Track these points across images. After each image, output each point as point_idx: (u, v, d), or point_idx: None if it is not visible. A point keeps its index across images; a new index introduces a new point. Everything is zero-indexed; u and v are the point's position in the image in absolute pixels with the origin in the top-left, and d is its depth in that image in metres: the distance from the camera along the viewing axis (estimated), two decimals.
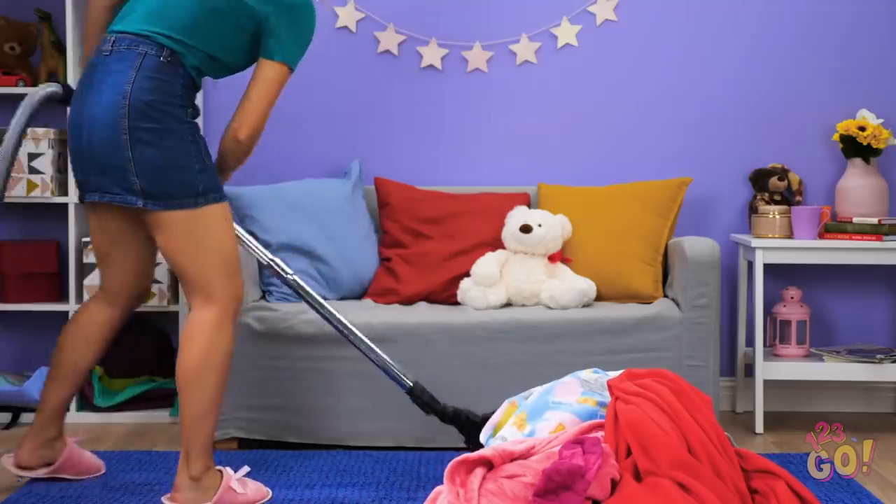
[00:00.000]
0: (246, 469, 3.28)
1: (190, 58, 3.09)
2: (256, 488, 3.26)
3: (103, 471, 3.55)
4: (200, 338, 3.07)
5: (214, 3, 3.09)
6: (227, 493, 3.12)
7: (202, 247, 3.07)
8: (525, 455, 2.26)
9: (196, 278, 3.09)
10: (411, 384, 3.56)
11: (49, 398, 3.38)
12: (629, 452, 2.27)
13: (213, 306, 3.10)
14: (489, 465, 2.22)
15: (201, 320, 3.09)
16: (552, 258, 4.19)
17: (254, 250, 3.47)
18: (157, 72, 3.04)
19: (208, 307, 3.10)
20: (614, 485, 2.21)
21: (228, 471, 3.19)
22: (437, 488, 2.23)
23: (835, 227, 4.32)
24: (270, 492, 3.32)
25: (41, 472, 3.43)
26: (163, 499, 3.11)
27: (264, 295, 4.11)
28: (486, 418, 3.35)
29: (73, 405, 4.30)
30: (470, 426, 3.51)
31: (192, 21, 3.08)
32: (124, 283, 3.33)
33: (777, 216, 4.33)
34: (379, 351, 3.57)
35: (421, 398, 3.56)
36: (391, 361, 3.57)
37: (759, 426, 4.23)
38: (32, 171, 4.33)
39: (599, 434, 2.26)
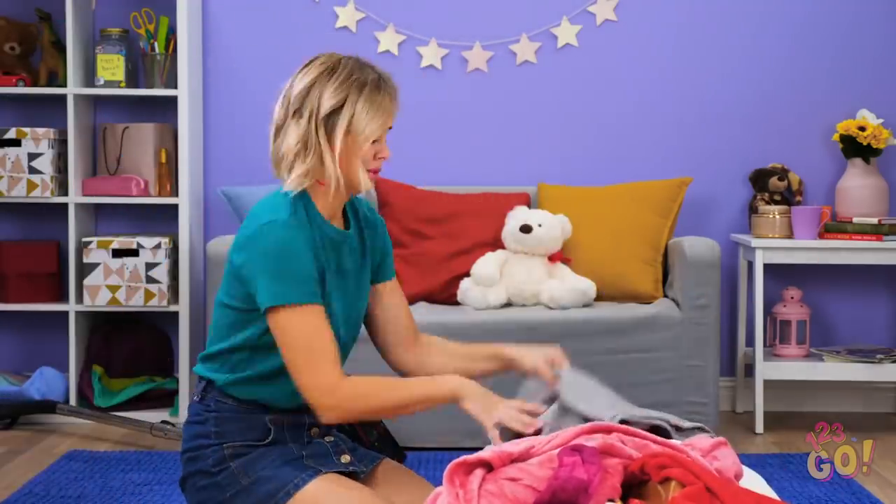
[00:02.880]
0: None
1: None
2: None
3: None
4: None
5: None
6: None
7: None
8: (524, 456, 2.25)
9: None
10: None
11: None
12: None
13: None
14: (488, 466, 2.22)
15: None
16: (552, 258, 4.19)
17: None
18: None
19: None
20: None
21: None
22: (437, 489, 2.23)
23: (835, 227, 4.32)
24: None
25: None
26: None
27: None
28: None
29: (72, 405, 4.30)
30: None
31: None
32: None
33: (777, 216, 4.33)
34: None
35: None
36: None
37: (759, 426, 4.23)
38: (32, 171, 4.33)
39: (596, 439, 2.26)
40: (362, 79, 2.38)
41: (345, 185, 2.39)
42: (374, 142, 2.38)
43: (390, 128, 2.42)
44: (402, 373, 2.62)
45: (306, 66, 2.44)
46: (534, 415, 2.34)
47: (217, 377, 2.45)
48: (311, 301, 2.32)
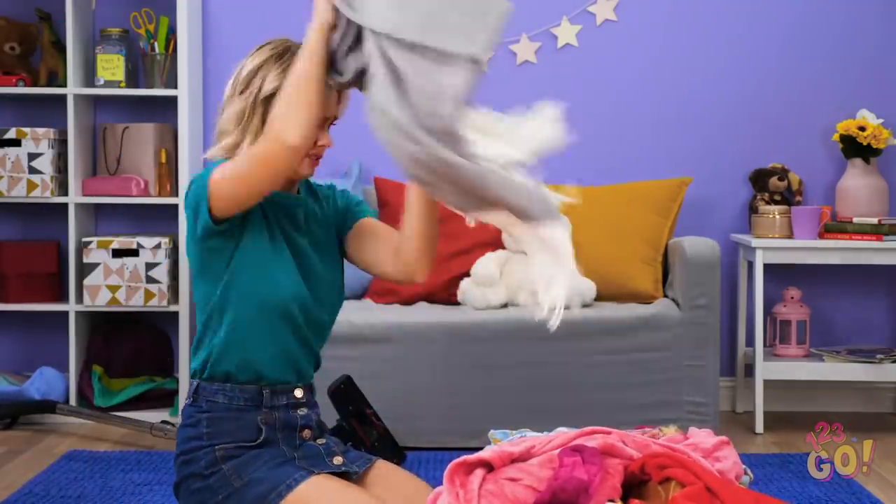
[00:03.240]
0: None
1: None
2: None
3: None
4: None
5: None
6: None
7: None
8: (525, 456, 2.26)
9: None
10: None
11: None
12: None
13: None
14: (489, 466, 2.22)
15: None
16: None
17: None
18: None
19: None
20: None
21: None
22: (437, 489, 2.23)
23: (835, 227, 4.32)
24: None
25: None
26: None
27: None
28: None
29: (72, 405, 4.30)
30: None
31: None
32: None
33: (777, 216, 4.33)
34: None
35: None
36: None
37: (759, 426, 4.23)
38: (32, 171, 4.33)
39: (596, 439, 2.25)
40: None
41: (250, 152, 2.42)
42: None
43: (334, 120, 2.47)
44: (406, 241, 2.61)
45: (259, 48, 2.50)
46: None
47: (201, 362, 2.48)
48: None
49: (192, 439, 2.45)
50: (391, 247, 2.57)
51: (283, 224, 2.50)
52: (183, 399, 4.30)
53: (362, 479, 2.49)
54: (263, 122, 2.41)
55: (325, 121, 2.45)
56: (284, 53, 2.45)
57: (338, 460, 2.47)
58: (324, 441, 2.51)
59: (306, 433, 2.48)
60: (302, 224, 2.53)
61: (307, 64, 2.33)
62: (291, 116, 2.32)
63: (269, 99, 2.41)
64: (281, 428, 2.47)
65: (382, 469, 2.54)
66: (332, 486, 2.39)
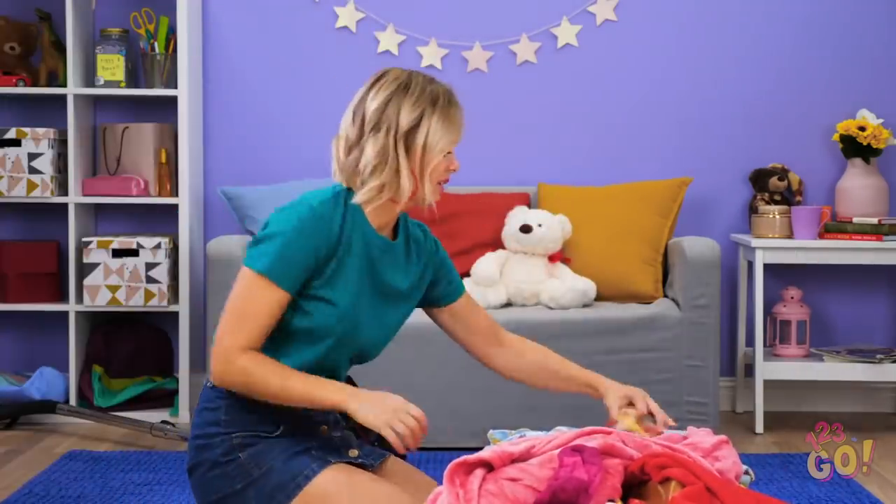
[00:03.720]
0: None
1: None
2: None
3: None
4: None
5: None
6: None
7: None
8: (524, 456, 2.25)
9: None
10: None
11: None
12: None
13: None
14: (489, 466, 2.22)
15: None
16: (552, 258, 4.19)
17: None
18: None
19: None
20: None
21: None
22: (437, 489, 2.23)
23: (835, 227, 4.32)
24: None
25: None
26: None
27: None
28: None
29: (72, 405, 4.30)
30: None
31: None
32: None
33: (777, 216, 4.33)
34: None
35: None
36: None
37: (759, 426, 4.23)
38: (32, 171, 4.33)
39: (596, 439, 2.25)
40: (435, 93, 2.46)
41: (411, 197, 2.44)
42: (445, 154, 2.44)
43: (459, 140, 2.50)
44: (500, 374, 2.75)
45: (377, 81, 2.49)
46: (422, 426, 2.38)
47: None
48: (276, 281, 2.34)
49: (210, 424, 2.45)
50: (483, 339, 2.70)
51: (368, 262, 2.47)
52: (183, 399, 4.31)
53: (377, 472, 2.50)
54: (407, 155, 2.41)
55: (456, 143, 2.49)
56: (410, 83, 2.45)
57: (353, 453, 2.47)
58: (339, 434, 2.51)
59: (324, 429, 2.48)
60: (388, 268, 2.51)
61: (311, 404, 2.35)
62: (243, 386, 2.36)
63: (409, 133, 2.42)
64: (298, 422, 2.47)
65: (396, 464, 2.56)
66: (351, 475, 2.40)
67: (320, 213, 2.38)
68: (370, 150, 2.41)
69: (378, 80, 2.49)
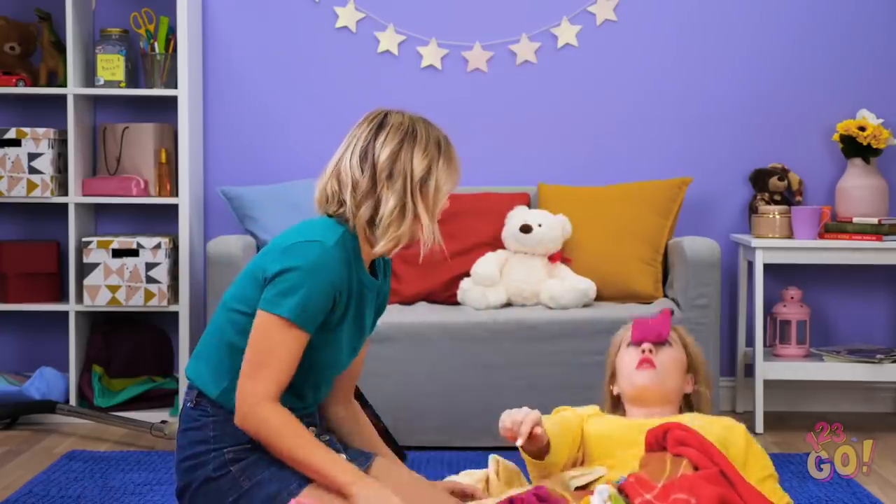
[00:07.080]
0: None
1: None
2: None
3: None
4: None
5: None
6: None
7: None
8: None
9: None
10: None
11: None
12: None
13: None
14: None
15: None
16: (552, 258, 4.19)
17: None
18: None
19: None
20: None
21: None
22: None
23: (835, 227, 4.32)
24: None
25: None
26: None
27: None
28: None
29: (72, 405, 4.30)
30: None
31: None
32: None
33: (777, 216, 4.33)
34: None
35: None
36: None
37: (759, 426, 4.23)
38: (32, 171, 4.33)
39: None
40: (437, 138, 2.51)
41: (410, 239, 2.49)
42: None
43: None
44: (329, 421, 2.69)
45: (380, 127, 2.50)
46: None
47: (211, 389, 2.48)
48: (301, 325, 2.38)
49: (198, 443, 2.46)
50: (343, 384, 2.66)
51: (360, 301, 2.52)
52: (182, 399, 4.30)
53: (367, 473, 2.51)
54: (424, 202, 2.46)
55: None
56: (416, 130, 2.49)
57: (341, 456, 2.48)
58: (327, 437, 2.52)
59: (310, 430, 2.49)
60: (371, 304, 2.58)
61: (320, 478, 2.37)
62: (261, 437, 2.40)
63: (423, 180, 2.46)
64: None
65: (384, 465, 2.57)
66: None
67: (336, 256, 2.41)
68: (391, 202, 2.44)
69: (381, 126, 2.50)
